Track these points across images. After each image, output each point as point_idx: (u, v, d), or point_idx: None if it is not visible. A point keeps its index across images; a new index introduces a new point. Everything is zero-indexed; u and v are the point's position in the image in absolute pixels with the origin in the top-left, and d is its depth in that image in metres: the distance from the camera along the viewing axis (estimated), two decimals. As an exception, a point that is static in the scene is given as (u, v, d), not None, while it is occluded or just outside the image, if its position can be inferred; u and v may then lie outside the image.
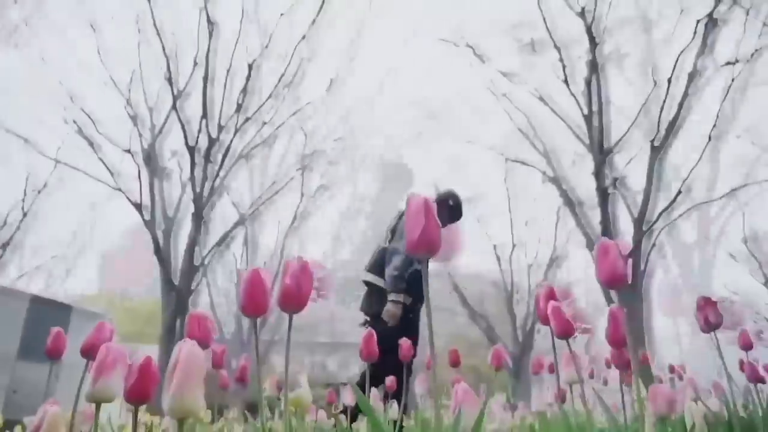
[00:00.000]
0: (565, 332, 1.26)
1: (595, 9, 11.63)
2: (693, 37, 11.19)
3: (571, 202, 12.91)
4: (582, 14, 11.93)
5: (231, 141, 12.04)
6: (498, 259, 18.41)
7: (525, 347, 16.91)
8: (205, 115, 11.54)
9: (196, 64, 11.86)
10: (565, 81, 12.08)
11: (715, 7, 11.13)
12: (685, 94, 11.60)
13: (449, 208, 3.51)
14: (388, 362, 2.45)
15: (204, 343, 1.26)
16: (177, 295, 11.08)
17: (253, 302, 1.07)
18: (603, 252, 1.12)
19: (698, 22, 11.16)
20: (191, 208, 11.90)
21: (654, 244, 11.50)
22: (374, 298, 3.17)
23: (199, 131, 11.85)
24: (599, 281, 1.13)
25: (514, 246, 18.62)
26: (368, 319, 3.25)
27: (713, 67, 11.54)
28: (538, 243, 19.02)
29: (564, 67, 12.02)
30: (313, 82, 14.68)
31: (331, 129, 15.68)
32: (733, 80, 11.04)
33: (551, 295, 1.40)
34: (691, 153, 11.41)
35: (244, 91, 11.89)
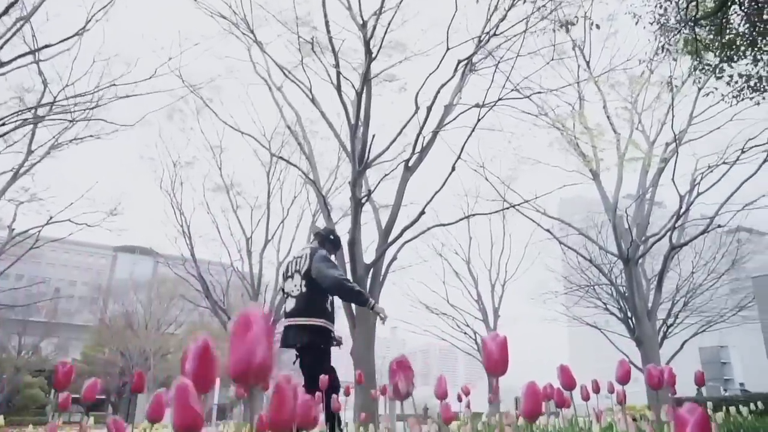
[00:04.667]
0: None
1: (375, 26, 12.00)
2: (453, 75, 12.30)
3: (326, 206, 13.14)
4: (363, 27, 12.24)
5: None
6: (249, 253, 18.01)
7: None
8: None
9: None
10: (338, 88, 12.24)
11: (473, 53, 12.41)
12: (440, 124, 12.71)
13: (330, 241, 4.26)
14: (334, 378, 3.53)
15: None
16: None
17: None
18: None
19: (459, 62, 12.30)
20: None
21: (395, 258, 12.28)
22: (305, 332, 3.82)
23: None
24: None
25: (267, 241, 18.44)
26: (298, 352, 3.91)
27: (464, 105, 12.85)
28: (292, 242, 19.14)
29: (339, 74, 12.16)
30: (67, 25, 12.54)
31: (78, 84, 13.60)
32: (478, 120, 12.38)
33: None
34: (436, 178, 12.46)
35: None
